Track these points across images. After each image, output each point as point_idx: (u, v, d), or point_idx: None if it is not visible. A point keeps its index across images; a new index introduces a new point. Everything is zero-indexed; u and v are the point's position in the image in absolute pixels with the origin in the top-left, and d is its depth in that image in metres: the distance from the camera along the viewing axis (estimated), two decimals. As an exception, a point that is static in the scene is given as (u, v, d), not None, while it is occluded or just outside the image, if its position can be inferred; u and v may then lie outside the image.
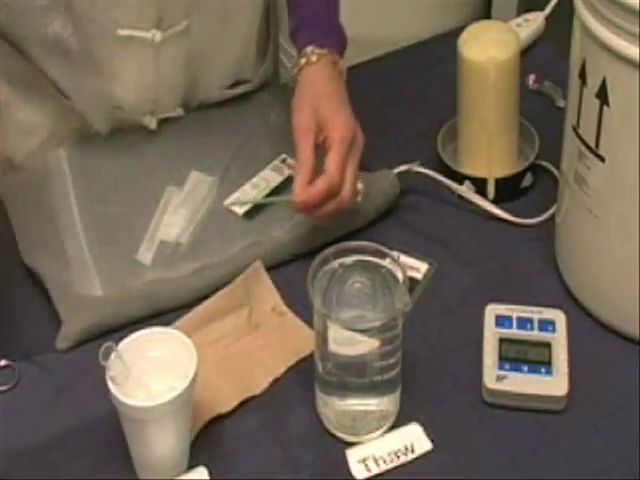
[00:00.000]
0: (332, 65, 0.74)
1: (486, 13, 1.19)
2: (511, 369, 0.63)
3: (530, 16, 0.94)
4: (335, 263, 0.62)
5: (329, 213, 0.69)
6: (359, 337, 0.59)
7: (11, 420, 0.63)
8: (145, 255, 0.72)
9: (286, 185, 0.78)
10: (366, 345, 0.60)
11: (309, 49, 0.74)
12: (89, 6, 0.72)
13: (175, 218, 0.75)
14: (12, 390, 0.65)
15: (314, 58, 0.73)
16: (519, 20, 0.94)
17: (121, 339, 0.59)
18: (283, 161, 0.81)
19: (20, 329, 0.68)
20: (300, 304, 0.69)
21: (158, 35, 0.75)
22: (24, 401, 0.64)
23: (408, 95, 0.87)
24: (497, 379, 0.63)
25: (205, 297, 0.69)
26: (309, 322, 0.67)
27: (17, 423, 0.63)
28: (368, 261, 0.62)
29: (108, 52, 0.75)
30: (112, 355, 0.57)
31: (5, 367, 0.66)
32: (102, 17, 0.73)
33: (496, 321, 0.66)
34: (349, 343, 0.60)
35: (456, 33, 0.78)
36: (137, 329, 0.60)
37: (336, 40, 0.77)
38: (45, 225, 0.74)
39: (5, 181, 0.79)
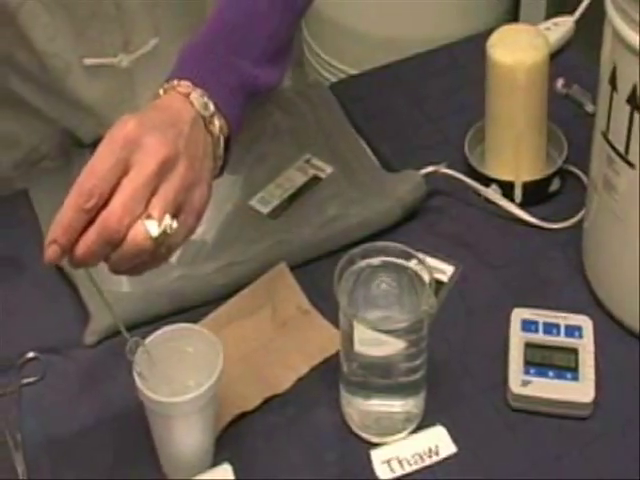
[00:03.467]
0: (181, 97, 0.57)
1: (514, 16, 1.19)
2: (537, 374, 0.63)
3: (559, 20, 0.94)
4: (362, 263, 0.62)
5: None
6: (385, 338, 0.59)
7: (38, 412, 0.64)
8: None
9: (310, 185, 0.79)
10: (392, 346, 0.60)
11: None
12: (48, 41, 0.70)
13: (201, 216, 0.76)
14: (39, 383, 0.65)
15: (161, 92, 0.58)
16: (548, 24, 0.94)
17: (147, 335, 0.59)
18: (307, 161, 0.81)
19: (48, 324, 0.68)
20: (325, 303, 0.69)
21: (125, 59, 0.73)
22: (51, 394, 0.65)
23: (435, 96, 0.87)
24: (522, 384, 0.63)
25: (230, 294, 0.70)
26: (333, 321, 0.67)
27: (43, 415, 0.63)
28: (395, 262, 0.62)
29: (78, 83, 0.73)
30: (139, 350, 0.58)
31: (32, 360, 0.66)
32: (65, 50, 0.71)
33: (522, 325, 0.66)
34: (375, 344, 0.60)
35: (485, 35, 0.77)
36: (163, 325, 0.60)
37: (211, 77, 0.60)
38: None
39: (32, 176, 0.80)
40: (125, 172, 0.50)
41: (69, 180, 0.76)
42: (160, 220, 0.50)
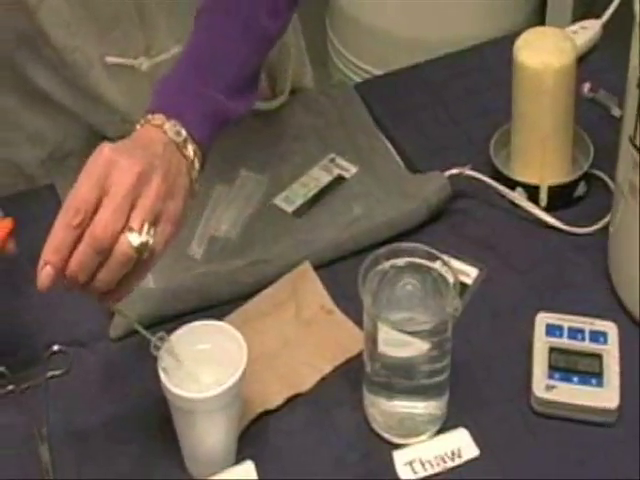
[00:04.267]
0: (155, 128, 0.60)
1: (540, 18, 1.18)
2: (561, 379, 0.63)
3: (587, 23, 0.93)
4: (386, 264, 0.62)
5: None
6: (409, 339, 0.59)
7: (63, 405, 0.64)
8: (196, 250, 0.73)
9: (335, 185, 0.79)
10: (416, 348, 0.60)
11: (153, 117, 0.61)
12: (70, 36, 0.72)
13: (225, 215, 0.76)
14: (65, 375, 0.66)
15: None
16: (575, 27, 0.93)
17: (172, 331, 0.60)
18: (332, 161, 0.81)
19: (75, 317, 0.69)
20: (349, 303, 0.69)
21: (145, 63, 0.75)
22: (76, 387, 0.65)
23: (461, 98, 0.87)
24: (546, 388, 0.62)
25: (254, 292, 0.70)
26: (357, 322, 0.67)
27: (69, 408, 0.64)
28: (419, 263, 0.62)
29: (100, 80, 0.75)
30: (164, 346, 0.58)
31: (59, 353, 0.67)
32: (86, 46, 0.73)
33: (547, 330, 0.66)
34: (399, 344, 0.60)
35: (511, 37, 0.77)
36: (187, 321, 0.61)
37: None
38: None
39: (58, 169, 0.81)
40: (106, 191, 0.56)
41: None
42: (140, 230, 0.55)
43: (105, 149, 0.57)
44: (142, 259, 0.56)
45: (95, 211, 0.55)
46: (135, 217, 0.55)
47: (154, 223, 0.56)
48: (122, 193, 0.55)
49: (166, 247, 0.57)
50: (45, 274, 0.54)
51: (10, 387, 0.65)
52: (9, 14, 0.72)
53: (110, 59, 0.75)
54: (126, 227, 0.55)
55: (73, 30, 0.72)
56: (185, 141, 0.60)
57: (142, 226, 0.55)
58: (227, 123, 0.64)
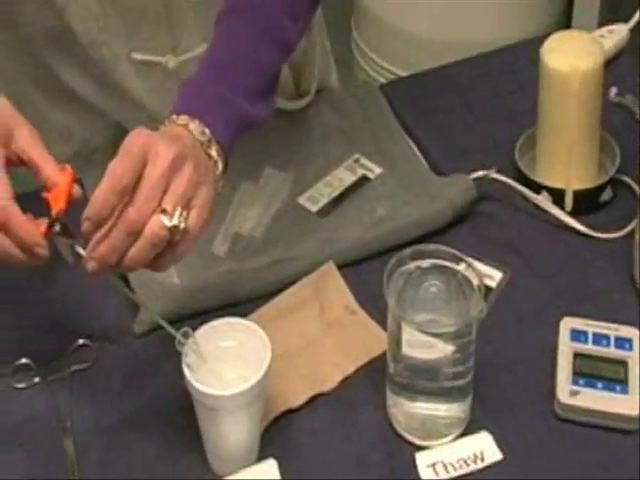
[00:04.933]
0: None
1: (566, 22, 1.18)
2: (585, 385, 0.63)
3: (614, 27, 0.93)
4: (411, 265, 0.62)
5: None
6: (433, 341, 0.59)
7: (87, 398, 0.65)
8: (220, 247, 0.74)
9: (359, 185, 0.79)
10: (440, 350, 0.59)
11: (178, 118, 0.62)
12: (98, 31, 0.73)
13: (250, 212, 0.76)
14: (89, 370, 0.66)
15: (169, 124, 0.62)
16: (602, 31, 0.92)
17: (195, 327, 0.60)
18: (356, 161, 0.81)
19: (100, 312, 0.69)
20: (371, 304, 0.69)
21: (172, 61, 0.75)
22: (100, 381, 0.66)
23: (487, 100, 0.87)
24: (570, 394, 0.62)
25: (278, 291, 0.70)
26: (380, 322, 0.67)
27: (93, 402, 0.64)
28: (444, 265, 0.62)
29: (127, 76, 0.76)
30: (188, 341, 0.58)
31: (83, 346, 0.67)
32: (114, 42, 0.74)
33: (571, 335, 0.65)
34: (423, 346, 0.59)
35: (538, 41, 0.77)
36: (211, 319, 0.61)
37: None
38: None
39: (85, 165, 0.81)
40: (141, 174, 0.56)
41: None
42: (172, 212, 0.56)
43: (143, 132, 0.57)
44: (174, 243, 0.57)
45: (129, 192, 0.56)
46: (167, 201, 0.56)
47: (186, 208, 0.57)
48: (156, 177, 0.56)
49: (201, 232, 0.58)
50: (94, 262, 0.56)
51: (36, 379, 0.65)
52: (39, 12, 0.73)
53: (137, 56, 0.75)
54: (158, 210, 0.56)
55: (101, 26, 0.73)
56: (209, 141, 0.61)
57: (174, 210, 0.56)
58: (248, 127, 0.65)
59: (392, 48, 1.33)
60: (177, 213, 0.56)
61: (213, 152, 0.61)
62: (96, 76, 0.77)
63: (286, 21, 0.67)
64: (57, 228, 0.58)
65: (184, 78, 0.66)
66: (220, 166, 0.62)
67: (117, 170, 0.56)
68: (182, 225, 0.56)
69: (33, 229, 0.56)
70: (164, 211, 0.56)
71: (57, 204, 0.57)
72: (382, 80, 1.29)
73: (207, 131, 0.60)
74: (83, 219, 0.55)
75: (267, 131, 0.82)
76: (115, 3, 0.73)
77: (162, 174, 0.56)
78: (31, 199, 0.58)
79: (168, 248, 0.57)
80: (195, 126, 0.60)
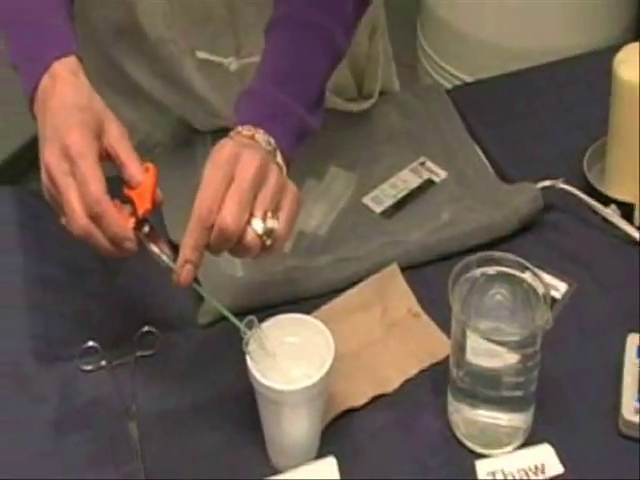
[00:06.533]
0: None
1: (636, 31, 1.16)
2: (651, 403, 0.62)
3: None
4: (477, 272, 0.61)
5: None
6: (498, 349, 0.59)
7: (151, 384, 0.66)
8: (285, 243, 0.74)
9: (424, 188, 0.79)
10: (504, 359, 0.59)
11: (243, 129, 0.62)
12: (166, 28, 0.74)
13: (314, 210, 0.77)
14: (153, 356, 0.67)
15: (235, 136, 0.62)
16: (676, 43, 0.91)
17: (259, 321, 0.60)
18: (422, 164, 0.81)
19: (166, 301, 0.70)
20: (434, 307, 0.69)
21: (234, 63, 0.76)
22: (164, 368, 0.67)
23: (556, 109, 0.86)
24: (636, 411, 0.61)
25: (340, 289, 0.70)
26: (442, 326, 0.67)
27: (156, 388, 0.66)
28: (511, 273, 0.61)
29: (192, 74, 0.77)
30: (253, 333, 0.59)
31: (148, 333, 0.68)
32: (180, 39, 0.75)
33: (638, 352, 0.64)
34: (487, 354, 0.59)
35: (609, 51, 0.76)
36: (273, 314, 0.61)
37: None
38: (190, 203, 0.76)
39: (147, 159, 0.82)
40: (231, 182, 0.59)
41: (191, 161, 0.80)
42: (264, 218, 0.59)
43: (228, 144, 0.60)
44: (266, 246, 0.59)
45: (222, 200, 0.58)
46: (258, 207, 0.59)
47: (275, 211, 0.59)
48: (246, 185, 0.58)
49: (290, 232, 0.61)
50: (187, 271, 0.59)
51: (102, 362, 0.67)
52: (110, 8, 0.75)
53: (201, 54, 0.77)
54: (251, 217, 0.58)
55: (169, 23, 0.74)
56: (275, 150, 0.62)
57: (265, 214, 0.59)
58: (307, 137, 0.66)
59: (458, 52, 1.32)
60: (268, 218, 0.59)
61: (280, 160, 0.62)
62: (162, 72, 0.78)
63: (338, 30, 0.68)
64: (146, 229, 0.60)
65: (246, 82, 0.67)
66: (284, 175, 0.63)
67: (204, 202, 0.57)
68: (274, 228, 0.59)
69: (124, 224, 0.58)
70: (255, 217, 0.58)
71: (143, 204, 0.59)
72: (446, 84, 1.28)
73: (272, 140, 0.62)
74: (182, 264, 0.58)
75: (333, 131, 0.82)
76: (183, 6, 0.74)
77: (251, 183, 0.58)
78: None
79: (262, 250, 0.59)
80: (260, 136, 0.62)
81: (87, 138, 0.58)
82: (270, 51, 0.66)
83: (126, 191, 0.60)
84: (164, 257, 0.60)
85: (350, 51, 0.71)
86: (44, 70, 0.61)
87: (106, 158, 0.61)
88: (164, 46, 0.75)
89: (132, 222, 0.59)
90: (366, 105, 0.85)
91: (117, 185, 0.60)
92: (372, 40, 0.85)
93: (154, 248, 0.60)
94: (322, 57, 0.67)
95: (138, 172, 0.60)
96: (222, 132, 0.75)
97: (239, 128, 0.62)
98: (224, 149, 0.59)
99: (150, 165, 0.61)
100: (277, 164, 0.61)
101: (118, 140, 0.60)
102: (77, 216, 0.57)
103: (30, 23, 0.64)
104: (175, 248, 0.68)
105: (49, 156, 0.58)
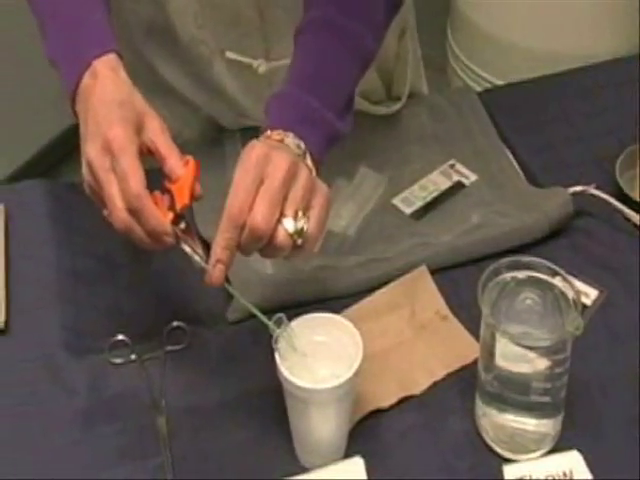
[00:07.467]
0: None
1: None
2: (682, 412, 0.61)
3: None
4: (507, 276, 0.61)
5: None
6: (528, 354, 0.59)
7: (179, 379, 0.66)
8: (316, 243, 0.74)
9: (454, 191, 0.79)
10: (534, 364, 0.59)
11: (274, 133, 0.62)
12: (197, 28, 0.74)
13: (344, 210, 0.77)
14: (182, 351, 0.68)
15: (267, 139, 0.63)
16: None
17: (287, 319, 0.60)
18: (452, 167, 0.81)
19: (195, 298, 0.71)
20: (462, 310, 0.69)
21: (263, 65, 0.76)
22: (192, 363, 0.67)
23: (588, 114, 0.85)
24: (666, 420, 0.61)
25: (369, 290, 0.70)
26: (470, 329, 0.67)
27: (184, 383, 0.66)
28: (541, 278, 0.61)
29: (222, 74, 0.77)
30: (282, 331, 0.59)
31: (178, 329, 0.69)
32: (211, 39, 0.76)
33: (669, 360, 0.64)
34: (517, 359, 0.59)
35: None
36: (301, 313, 0.61)
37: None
38: (221, 200, 0.76)
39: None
40: (261, 183, 0.59)
41: (221, 160, 0.80)
42: (294, 217, 0.59)
43: (257, 145, 0.60)
44: (297, 246, 0.59)
45: (253, 201, 0.58)
46: (289, 206, 0.59)
47: (306, 211, 0.59)
48: (276, 185, 0.58)
49: (321, 233, 0.61)
50: (218, 271, 0.59)
51: (132, 356, 0.67)
52: (142, 6, 0.75)
53: (230, 55, 0.77)
54: (281, 216, 0.58)
55: (200, 23, 0.75)
56: (305, 153, 0.62)
57: (296, 214, 0.59)
58: (336, 141, 0.66)
59: (488, 55, 1.31)
60: (299, 217, 0.59)
61: (309, 163, 0.62)
62: (192, 72, 0.79)
63: (368, 35, 0.68)
64: (182, 225, 0.60)
65: (275, 84, 0.67)
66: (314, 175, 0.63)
67: (235, 203, 0.58)
68: (305, 227, 0.59)
69: (163, 219, 0.58)
70: (286, 217, 0.58)
71: (181, 199, 0.59)
72: (476, 86, 1.27)
73: (302, 144, 0.62)
74: (214, 263, 0.58)
75: (363, 132, 0.82)
76: (213, 7, 0.75)
77: (281, 183, 0.58)
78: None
79: (293, 250, 0.59)
80: (290, 140, 0.62)
81: (128, 133, 0.59)
82: (300, 56, 0.67)
83: (167, 184, 0.60)
84: (196, 257, 0.60)
85: (378, 52, 0.70)
86: (85, 69, 0.61)
87: (146, 153, 0.61)
88: (195, 46, 0.76)
89: (170, 216, 0.59)
90: (394, 108, 0.85)
91: (159, 177, 0.60)
92: (401, 41, 0.85)
93: (187, 247, 0.60)
94: (352, 62, 0.67)
95: (178, 166, 0.60)
96: (251, 131, 0.77)
97: (269, 132, 0.62)
98: (254, 150, 0.59)
99: (190, 158, 0.61)
100: (307, 165, 0.61)
101: (158, 134, 0.61)
102: (118, 211, 0.58)
103: (69, 18, 0.64)
104: (205, 244, 0.69)
105: (91, 152, 0.59)
